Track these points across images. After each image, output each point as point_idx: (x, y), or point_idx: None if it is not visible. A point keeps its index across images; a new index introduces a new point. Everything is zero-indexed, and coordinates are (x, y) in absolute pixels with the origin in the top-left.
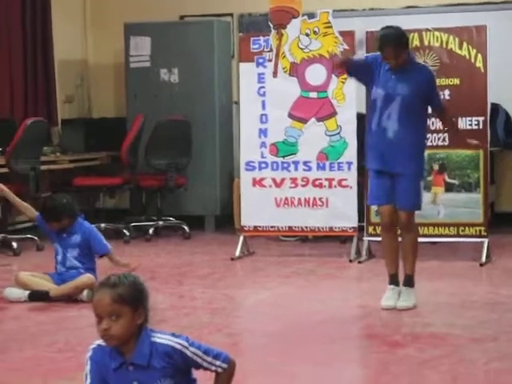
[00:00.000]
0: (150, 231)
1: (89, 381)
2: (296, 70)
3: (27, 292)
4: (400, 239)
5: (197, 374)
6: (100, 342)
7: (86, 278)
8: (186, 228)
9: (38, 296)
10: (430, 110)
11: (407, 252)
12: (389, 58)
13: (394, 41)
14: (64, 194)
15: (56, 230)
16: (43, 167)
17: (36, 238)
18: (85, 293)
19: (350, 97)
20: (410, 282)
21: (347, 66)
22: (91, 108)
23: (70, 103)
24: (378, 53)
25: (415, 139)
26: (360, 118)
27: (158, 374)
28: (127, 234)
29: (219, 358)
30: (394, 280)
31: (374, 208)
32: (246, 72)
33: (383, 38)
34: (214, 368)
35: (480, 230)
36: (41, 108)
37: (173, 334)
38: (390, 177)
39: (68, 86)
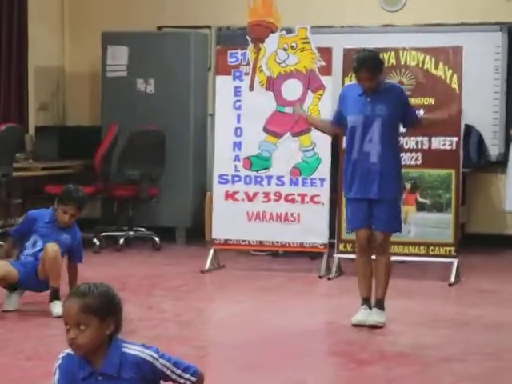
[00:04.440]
0: (121, 241)
1: None
2: (272, 85)
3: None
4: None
5: None
6: (70, 350)
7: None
8: (156, 239)
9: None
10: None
11: (381, 274)
12: (364, 80)
13: (370, 63)
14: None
15: (62, 223)
16: (15, 174)
17: None
18: (56, 308)
19: (325, 113)
20: (380, 306)
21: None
22: (66, 116)
23: (44, 110)
24: (345, 86)
25: (396, 160)
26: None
27: None
28: (97, 243)
29: (188, 372)
30: (366, 302)
31: (345, 225)
32: (223, 85)
33: (360, 60)
34: (182, 381)
35: (450, 250)
36: (13, 114)
37: (143, 345)
38: (368, 202)
39: (43, 93)
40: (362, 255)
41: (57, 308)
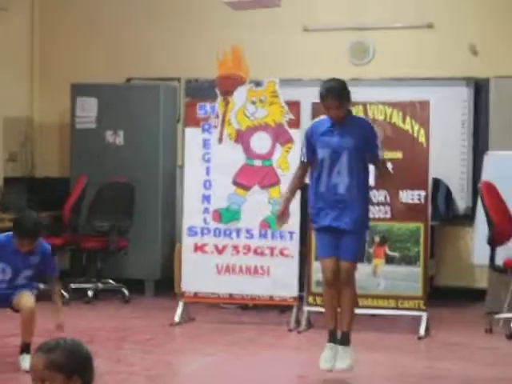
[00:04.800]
0: (90, 294)
1: None
2: (241, 138)
3: None
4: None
5: None
6: None
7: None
8: (125, 292)
9: None
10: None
11: (346, 306)
12: (331, 108)
13: (336, 91)
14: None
15: (24, 251)
16: None
17: None
18: (25, 363)
19: (294, 166)
20: (346, 341)
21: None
22: (34, 167)
23: (13, 161)
24: (312, 122)
25: (365, 192)
26: (304, 187)
27: None
28: (66, 295)
29: None
30: (332, 336)
31: (314, 278)
32: (192, 137)
33: (326, 88)
34: None
35: (419, 304)
36: None
37: None
38: (336, 232)
39: (12, 143)
40: (330, 287)
41: (25, 362)
